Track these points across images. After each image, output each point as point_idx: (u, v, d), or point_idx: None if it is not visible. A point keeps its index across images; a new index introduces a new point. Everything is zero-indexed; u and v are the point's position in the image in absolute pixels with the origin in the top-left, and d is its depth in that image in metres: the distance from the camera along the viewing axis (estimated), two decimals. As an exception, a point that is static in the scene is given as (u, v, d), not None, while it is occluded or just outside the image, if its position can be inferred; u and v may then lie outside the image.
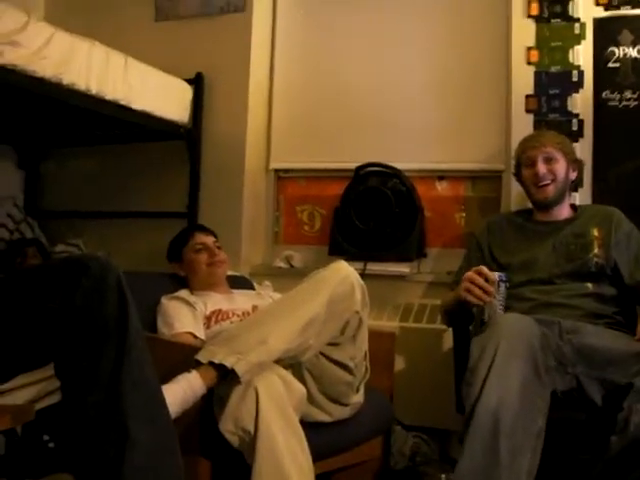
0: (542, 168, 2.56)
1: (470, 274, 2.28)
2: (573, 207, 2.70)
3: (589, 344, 2.15)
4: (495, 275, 2.24)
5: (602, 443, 1.89)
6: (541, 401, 1.95)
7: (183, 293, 2.59)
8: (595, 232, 2.49)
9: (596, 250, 2.45)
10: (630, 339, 2.20)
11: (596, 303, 2.37)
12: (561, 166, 2.58)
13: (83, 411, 1.33)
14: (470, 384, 1.95)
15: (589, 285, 2.41)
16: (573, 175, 2.65)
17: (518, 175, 2.71)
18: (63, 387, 1.40)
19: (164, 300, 2.52)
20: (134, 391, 1.35)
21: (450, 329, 2.75)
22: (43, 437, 2.50)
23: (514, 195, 3.12)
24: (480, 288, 2.23)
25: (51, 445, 2.51)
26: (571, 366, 2.13)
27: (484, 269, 2.27)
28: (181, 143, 3.54)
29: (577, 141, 3.00)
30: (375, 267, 3.27)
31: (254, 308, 2.58)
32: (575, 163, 2.66)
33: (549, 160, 2.57)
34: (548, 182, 2.56)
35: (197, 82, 3.58)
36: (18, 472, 1.94)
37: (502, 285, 2.23)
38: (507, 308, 2.26)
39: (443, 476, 2.66)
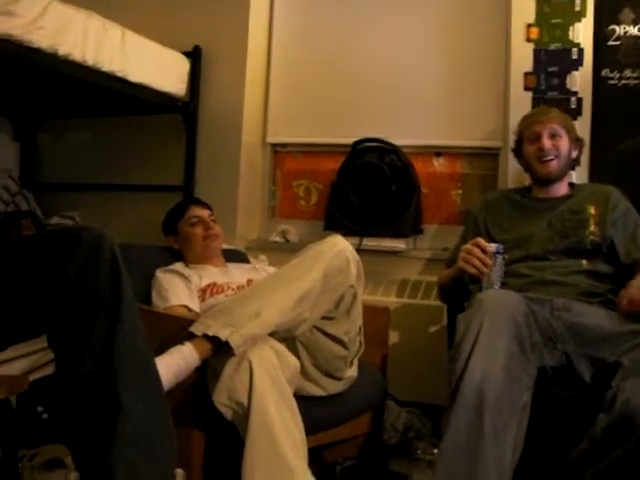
0: (547, 143, 2.55)
1: (467, 246, 2.29)
2: (570, 185, 2.69)
3: (580, 322, 2.15)
4: (492, 247, 2.24)
5: (590, 420, 1.90)
6: (526, 376, 1.96)
7: (178, 266, 2.59)
8: (592, 210, 2.49)
9: (592, 228, 2.45)
10: (622, 318, 2.20)
11: (591, 280, 2.37)
12: (564, 143, 2.58)
13: (75, 382, 1.33)
14: (455, 359, 1.95)
15: (584, 262, 2.41)
16: (574, 154, 2.65)
17: (518, 151, 2.70)
18: (56, 358, 1.40)
19: (159, 273, 2.52)
20: (127, 362, 1.35)
21: (444, 305, 2.76)
22: (37, 408, 2.51)
23: (511, 173, 3.11)
24: (478, 259, 2.23)
25: (45, 416, 2.52)
26: (561, 342, 2.13)
27: (481, 241, 2.27)
28: (178, 116, 3.53)
29: (576, 119, 2.98)
30: (371, 242, 3.28)
31: (249, 282, 2.58)
32: (577, 142, 2.66)
33: (553, 136, 2.57)
34: (552, 157, 2.56)
35: (195, 55, 3.56)
36: (12, 443, 1.95)
37: (499, 257, 2.23)
38: (503, 284, 2.26)
39: (435, 451, 2.68)
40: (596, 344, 2.10)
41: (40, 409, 2.48)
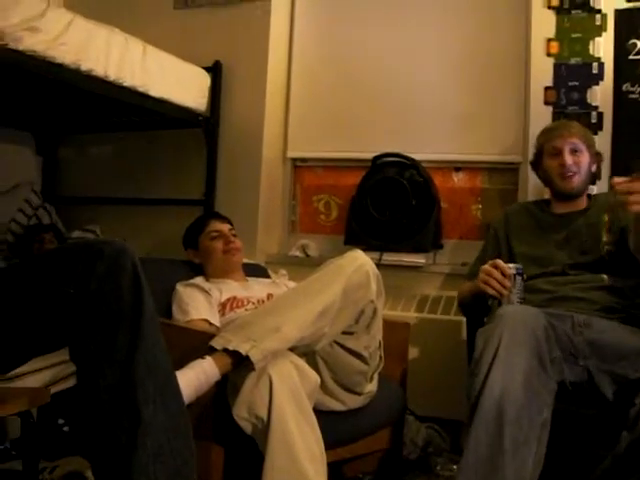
0: (569, 159, 2.52)
1: (487, 267, 2.28)
2: (588, 197, 2.67)
3: (601, 339, 2.13)
4: (511, 269, 2.23)
5: (613, 438, 1.88)
6: (546, 392, 1.94)
7: (198, 280, 2.60)
8: (605, 217, 2.45)
9: (605, 237, 2.41)
10: None
11: (611, 296, 2.34)
12: (585, 159, 2.56)
13: (96, 395, 1.34)
14: (475, 375, 1.94)
15: (604, 277, 2.38)
16: (593, 168, 2.63)
17: (537, 164, 2.68)
18: (78, 371, 1.41)
19: (179, 287, 2.53)
20: (147, 376, 1.35)
21: (464, 320, 2.74)
22: (58, 421, 2.53)
23: (531, 187, 3.11)
24: (497, 281, 2.22)
25: (66, 429, 2.53)
26: (582, 358, 2.11)
27: (500, 262, 2.26)
28: (199, 131, 3.55)
29: (596, 134, 2.97)
30: (391, 257, 3.28)
31: (269, 296, 2.59)
32: (596, 157, 2.64)
33: (575, 152, 2.54)
34: (573, 173, 2.54)
35: (215, 70, 3.59)
36: (33, 455, 1.96)
37: (518, 278, 2.22)
38: (522, 301, 2.24)
39: (454, 467, 2.66)
40: (617, 361, 2.07)
41: (61, 421, 2.50)
